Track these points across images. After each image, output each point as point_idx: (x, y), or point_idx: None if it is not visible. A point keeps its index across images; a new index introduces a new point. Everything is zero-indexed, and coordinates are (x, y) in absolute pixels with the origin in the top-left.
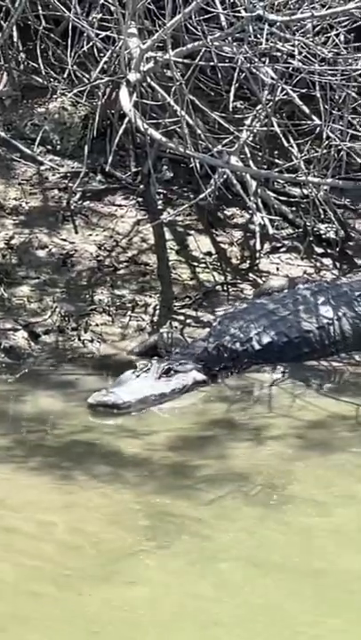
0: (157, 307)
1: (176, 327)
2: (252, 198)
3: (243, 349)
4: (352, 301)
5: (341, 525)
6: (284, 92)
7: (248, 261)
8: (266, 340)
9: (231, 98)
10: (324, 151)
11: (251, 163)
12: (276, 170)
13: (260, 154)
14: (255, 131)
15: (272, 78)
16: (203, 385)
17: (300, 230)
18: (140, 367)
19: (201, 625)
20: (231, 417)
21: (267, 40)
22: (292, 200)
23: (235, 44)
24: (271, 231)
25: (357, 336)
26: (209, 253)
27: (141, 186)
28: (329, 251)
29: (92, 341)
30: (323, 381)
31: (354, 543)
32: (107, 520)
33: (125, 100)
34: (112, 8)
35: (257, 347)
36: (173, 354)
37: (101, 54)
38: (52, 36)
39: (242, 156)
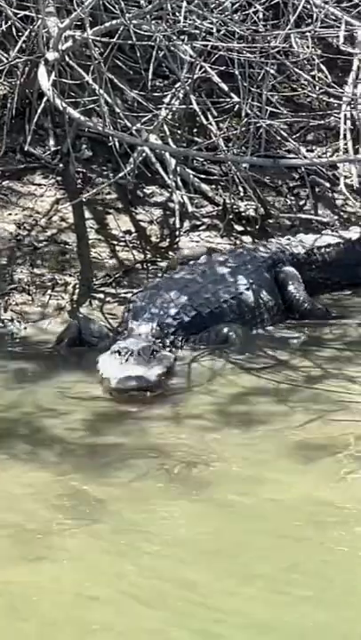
0: (77, 285)
1: (94, 308)
2: (171, 176)
3: (177, 323)
4: (259, 268)
5: (262, 502)
6: (203, 69)
7: (168, 239)
8: (192, 312)
9: (150, 76)
10: (243, 129)
11: (170, 141)
12: (196, 148)
13: (179, 132)
14: (174, 109)
15: (191, 56)
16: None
17: (220, 208)
18: (122, 351)
19: (117, 604)
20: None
21: (185, 18)
22: (211, 178)
23: (153, 22)
24: (191, 209)
25: (269, 305)
26: (128, 232)
27: (61, 165)
28: (249, 228)
29: (11, 321)
30: (244, 357)
31: (272, 520)
32: (25, 500)
33: (44, 80)
34: None
35: (186, 319)
36: (123, 336)
37: (20, 33)
38: None
39: (161, 135)
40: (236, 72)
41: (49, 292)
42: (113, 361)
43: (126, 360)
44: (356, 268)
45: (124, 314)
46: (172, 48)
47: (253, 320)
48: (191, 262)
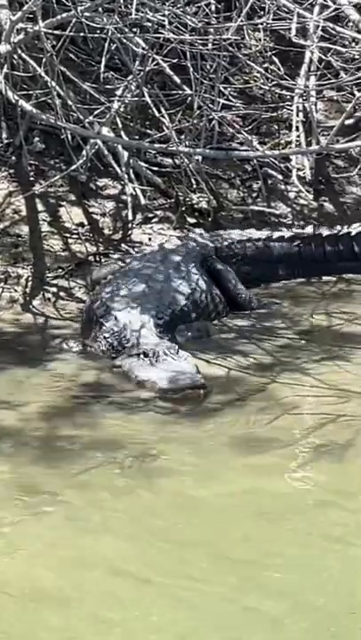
0: (30, 278)
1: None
2: (123, 169)
3: (163, 322)
4: (196, 263)
5: (214, 494)
6: (155, 62)
7: (120, 232)
8: (169, 310)
9: (102, 68)
10: (196, 121)
11: (122, 133)
12: (148, 140)
13: (131, 124)
14: (126, 101)
15: (143, 49)
16: None
17: (173, 200)
18: (148, 352)
19: (67, 596)
20: (105, 384)
21: (137, 10)
22: (164, 170)
23: (105, 14)
24: (143, 202)
25: (218, 298)
26: (81, 224)
27: (13, 157)
28: (201, 221)
29: None
30: (200, 345)
31: (225, 513)
32: None
33: None
34: None
35: (167, 318)
36: (131, 332)
37: None
38: None
39: (113, 127)
40: (189, 64)
41: (1, 284)
42: (143, 363)
43: (156, 361)
44: (277, 265)
45: (100, 318)
46: (124, 40)
47: (213, 312)
48: (141, 257)
